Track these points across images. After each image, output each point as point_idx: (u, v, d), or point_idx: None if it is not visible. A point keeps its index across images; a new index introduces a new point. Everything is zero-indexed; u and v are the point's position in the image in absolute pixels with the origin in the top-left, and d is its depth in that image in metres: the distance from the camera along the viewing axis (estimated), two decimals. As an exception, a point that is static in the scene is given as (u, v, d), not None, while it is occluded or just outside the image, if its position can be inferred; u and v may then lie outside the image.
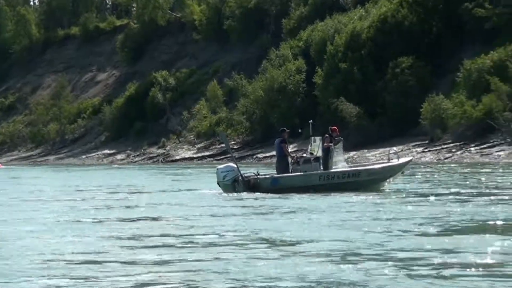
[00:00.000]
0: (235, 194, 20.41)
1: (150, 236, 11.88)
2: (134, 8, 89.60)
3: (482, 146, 42.65)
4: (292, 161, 21.42)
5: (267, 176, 21.58)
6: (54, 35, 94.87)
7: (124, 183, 29.50)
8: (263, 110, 60.36)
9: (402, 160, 22.46)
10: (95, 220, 14.60)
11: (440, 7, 54.31)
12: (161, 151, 69.08)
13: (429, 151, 45.55)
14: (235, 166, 21.26)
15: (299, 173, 21.07)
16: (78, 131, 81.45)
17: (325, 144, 21.09)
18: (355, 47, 55.52)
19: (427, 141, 47.72)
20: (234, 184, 20.93)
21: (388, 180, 21.50)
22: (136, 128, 74.70)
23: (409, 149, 47.39)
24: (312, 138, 21.81)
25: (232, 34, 74.01)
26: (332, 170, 21.04)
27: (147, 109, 74.54)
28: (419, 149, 46.24)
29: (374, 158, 45.75)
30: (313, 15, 64.52)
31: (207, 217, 14.85)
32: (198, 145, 66.38)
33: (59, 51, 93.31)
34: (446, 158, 42.41)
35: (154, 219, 14.88)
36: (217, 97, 68.41)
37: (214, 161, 59.99)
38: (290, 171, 21.35)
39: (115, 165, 64.12)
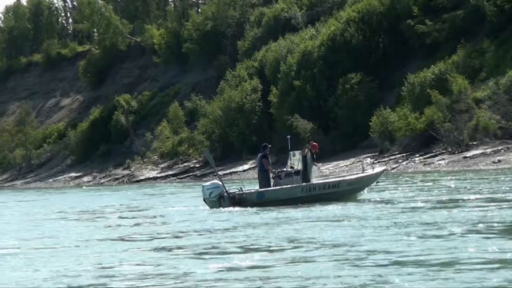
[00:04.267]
0: (221, 209, 21.44)
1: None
2: (95, 34, 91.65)
3: (425, 156, 45.29)
4: (274, 175, 22.69)
5: (252, 191, 22.63)
6: (17, 63, 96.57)
7: (128, 203, 30.98)
8: (222, 129, 62.62)
9: (377, 170, 23.87)
10: (147, 237, 16.21)
11: (384, 25, 57.20)
12: (126, 172, 71.07)
13: (379, 162, 48.03)
14: (220, 183, 22.23)
15: (283, 187, 22.17)
16: (44, 156, 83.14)
17: (304, 152, 22.34)
18: (307, 65, 58.08)
19: (377, 153, 50.13)
20: (220, 200, 21.90)
21: (365, 190, 23.00)
22: (101, 151, 76.78)
23: (360, 161, 49.84)
24: (291, 152, 23.17)
25: (191, 57, 76.36)
26: (314, 182, 22.31)
27: (111, 132, 76.69)
28: (369, 161, 48.69)
29: (328, 171, 48.13)
30: (266, 36, 67.09)
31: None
32: (162, 165, 68.49)
33: (22, 78, 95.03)
34: (393, 169, 44.95)
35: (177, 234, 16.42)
36: (178, 118, 70.64)
37: (177, 180, 62.21)
38: (272, 184, 22.58)
39: (84, 186, 66.08)
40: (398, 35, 56.41)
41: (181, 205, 26.02)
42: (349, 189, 22.51)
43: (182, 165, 65.92)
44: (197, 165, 64.39)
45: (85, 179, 73.89)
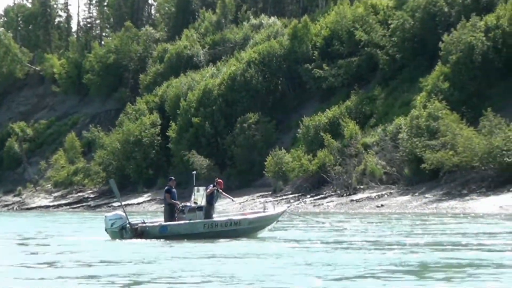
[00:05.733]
0: (123, 240, 21.39)
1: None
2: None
3: (316, 198, 46.76)
4: (177, 209, 22.79)
5: (156, 224, 22.71)
6: None
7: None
8: (119, 161, 62.63)
9: (278, 210, 24.50)
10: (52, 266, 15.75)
11: (283, 67, 58.99)
12: (16, 199, 69.87)
13: (271, 201, 49.13)
14: (123, 214, 22.26)
15: (185, 221, 22.36)
16: None
17: (209, 189, 22.72)
18: (207, 103, 59.12)
19: (270, 192, 51.29)
20: (121, 231, 21.92)
21: (267, 228, 23.45)
22: (-8, 177, 75.35)
23: (253, 199, 50.91)
24: (196, 188, 23.44)
25: (92, 88, 76.20)
26: (216, 219, 22.73)
27: (3, 159, 75.37)
28: (262, 200, 49.77)
29: (221, 208, 48.83)
30: (168, 72, 67.86)
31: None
32: (55, 194, 67.72)
33: None
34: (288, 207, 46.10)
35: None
36: (75, 148, 70.16)
37: (70, 209, 61.61)
38: (176, 218, 22.73)
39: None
40: (296, 78, 58.24)
41: (82, 234, 25.80)
42: (250, 227, 23.05)
43: (76, 195, 65.42)
44: (92, 196, 64.05)
45: (-27, 204, 72.06)
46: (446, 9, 51.22)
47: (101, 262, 16.55)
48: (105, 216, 22.77)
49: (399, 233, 23.68)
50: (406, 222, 29.54)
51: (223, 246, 20.15)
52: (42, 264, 16.29)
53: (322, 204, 44.98)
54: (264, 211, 24.13)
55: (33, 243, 22.93)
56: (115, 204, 59.04)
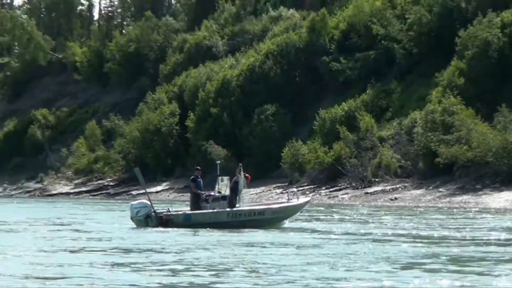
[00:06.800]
0: (148, 229, 22.01)
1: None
2: (16, 48, 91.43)
3: (331, 189, 47.56)
4: (202, 198, 23.33)
5: (180, 212, 23.49)
6: None
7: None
8: (138, 150, 63.73)
9: (302, 200, 24.92)
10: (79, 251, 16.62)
11: (301, 60, 59.67)
12: (38, 185, 71.23)
13: (287, 192, 49.96)
14: (148, 202, 22.86)
15: (209, 211, 22.92)
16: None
17: (237, 178, 23.05)
18: (225, 93, 59.98)
19: (286, 183, 52.04)
20: (147, 219, 22.59)
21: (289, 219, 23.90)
22: (14, 163, 76.73)
23: (270, 190, 51.75)
24: (220, 177, 23.93)
25: (112, 77, 77.30)
26: (239, 209, 23.06)
27: (25, 145, 76.80)
28: (279, 191, 50.65)
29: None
30: (187, 62, 68.73)
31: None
32: (76, 181, 69.01)
33: None
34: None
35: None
36: (95, 136, 71.40)
37: (91, 196, 62.87)
38: (201, 208, 23.07)
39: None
40: (313, 70, 58.90)
41: (109, 222, 26.57)
42: (274, 217, 23.48)
43: (96, 182, 66.69)
44: (111, 184, 65.26)
45: (-5, 190, 73.54)
46: (463, 5, 51.62)
47: (135, 249, 17.05)
48: (131, 205, 23.45)
49: (423, 226, 24.00)
50: (426, 216, 30.05)
51: (248, 235, 20.51)
52: (74, 251, 16.92)
53: (337, 196, 45.78)
54: (288, 201, 24.44)
55: (62, 229, 23.59)
56: (134, 192, 60.19)
